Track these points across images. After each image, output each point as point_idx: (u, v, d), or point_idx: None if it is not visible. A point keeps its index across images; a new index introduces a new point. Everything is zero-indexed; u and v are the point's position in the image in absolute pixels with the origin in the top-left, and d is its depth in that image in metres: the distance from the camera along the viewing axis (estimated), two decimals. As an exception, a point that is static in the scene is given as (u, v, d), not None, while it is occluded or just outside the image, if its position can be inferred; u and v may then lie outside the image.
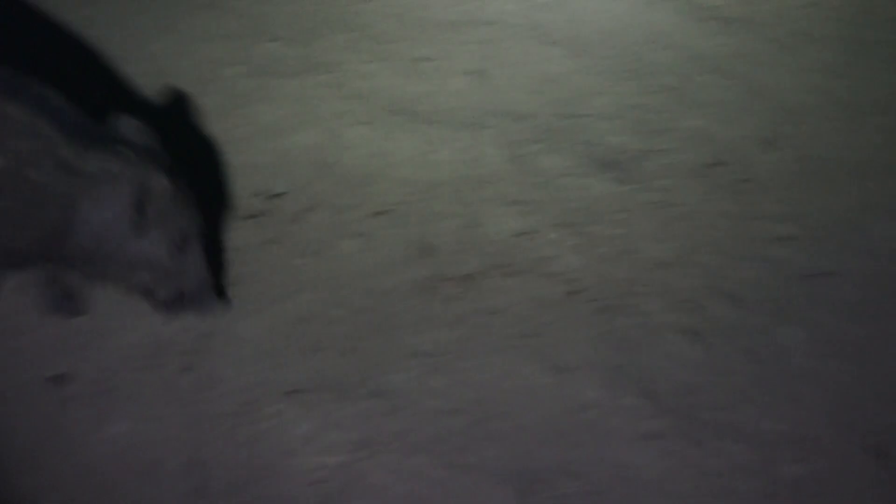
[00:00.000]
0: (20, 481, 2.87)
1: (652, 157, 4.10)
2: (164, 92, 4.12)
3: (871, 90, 4.45)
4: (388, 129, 4.11)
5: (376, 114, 4.17)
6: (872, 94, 4.43)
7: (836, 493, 2.93)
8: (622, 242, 3.73)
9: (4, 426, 3.02)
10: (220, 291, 3.37)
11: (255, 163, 3.93)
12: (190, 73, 4.23)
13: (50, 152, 2.83)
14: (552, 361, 3.28)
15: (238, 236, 3.66)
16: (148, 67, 4.27)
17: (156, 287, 3.08)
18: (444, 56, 4.47)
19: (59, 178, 2.85)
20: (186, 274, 3.09)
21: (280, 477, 2.90)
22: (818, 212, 3.88)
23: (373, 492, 2.88)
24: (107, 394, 3.11)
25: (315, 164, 3.96)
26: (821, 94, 4.44)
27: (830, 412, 3.16)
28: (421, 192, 3.89)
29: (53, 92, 2.95)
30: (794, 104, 4.39)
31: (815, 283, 3.60)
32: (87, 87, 3.67)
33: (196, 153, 3.90)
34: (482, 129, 4.15)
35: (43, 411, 3.05)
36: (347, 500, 2.85)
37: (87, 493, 2.86)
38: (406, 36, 4.56)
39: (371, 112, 4.17)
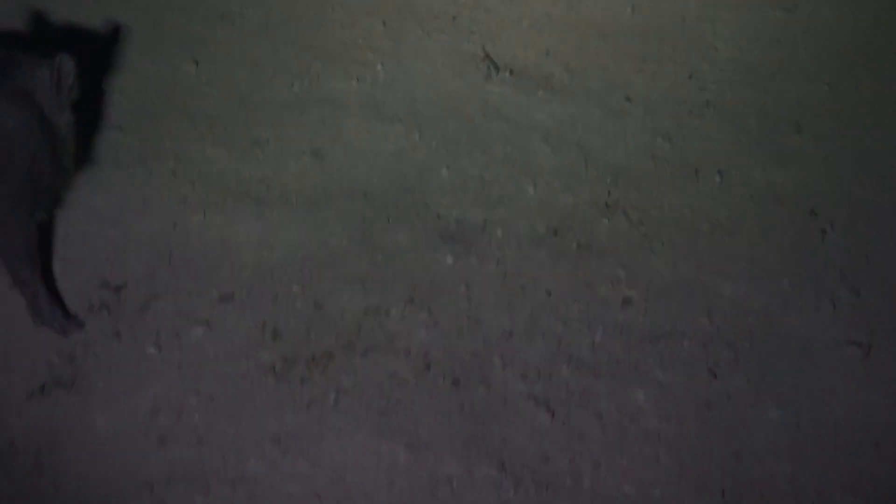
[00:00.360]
0: None
1: (494, 227, 4.16)
2: None
3: (702, 150, 4.59)
4: (229, 214, 4.09)
5: (217, 199, 4.14)
6: (704, 155, 4.56)
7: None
8: (469, 315, 3.78)
9: None
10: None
11: (97, 255, 3.87)
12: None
13: None
14: (408, 438, 3.30)
15: (85, 329, 3.60)
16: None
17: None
18: (282, 137, 4.46)
19: None
20: None
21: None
22: (658, 273, 3.99)
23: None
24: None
25: (157, 252, 3.92)
26: (653, 157, 4.56)
27: (685, 470, 3.24)
28: (266, 275, 3.88)
29: None
30: (629, 168, 4.49)
31: (659, 344, 3.69)
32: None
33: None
34: (324, 209, 4.16)
35: None
36: None
37: None
38: (243, 118, 4.54)
39: (211, 197, 4.14)
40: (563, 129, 4.72)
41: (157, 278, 3.83)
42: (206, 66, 4.76)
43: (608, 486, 3.18)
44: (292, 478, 3.15)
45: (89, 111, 4.19)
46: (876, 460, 3.35)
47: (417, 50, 5.07)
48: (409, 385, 3.49)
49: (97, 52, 4.75)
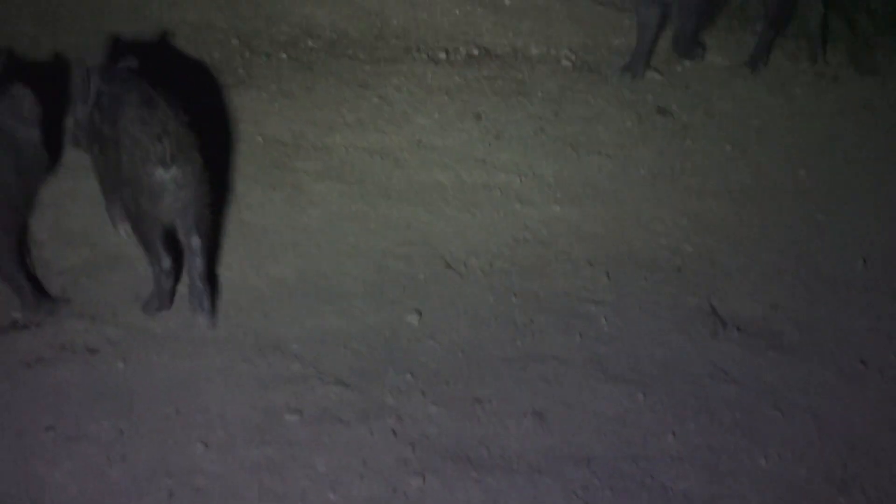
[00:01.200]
0: None
1: (723, 502, 3.98)
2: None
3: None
4: (446, 479, 4.01)
5: (437, 462, 4.08)
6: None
7: None
8: None
9: None
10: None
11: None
12: (247, 419, 4.14)
13: None
14: None
15: None
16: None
17: None
18: (504, 395, 4.39)
19: None
20: None
21: None
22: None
23: None
24: None
25: (376, 520, 3.86)
26: (894, 428, 4.33)
27: None
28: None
29: None
30: (867, 440, 4.26)
31: None
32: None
33: None
34: (546, 476, 4.05)
35: None
36: None
37: None
38: (466, 373, 4.49)
39: (431, 460, 4.07)
40: (795, 394, 4.53)
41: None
42: (429, 317, 4.74)
43: None
44: None
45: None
46: None
47: (641, 303, 4.97)
48: None
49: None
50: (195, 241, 4.47)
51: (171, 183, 4.34)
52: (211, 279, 4.64)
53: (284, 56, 6.30)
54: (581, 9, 6.96)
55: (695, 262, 5.25)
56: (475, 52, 6.57)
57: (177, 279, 4.60)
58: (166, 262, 4.49)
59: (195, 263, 4.51)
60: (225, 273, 4.89)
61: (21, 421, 4.06)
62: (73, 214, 5.02)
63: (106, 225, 4.79)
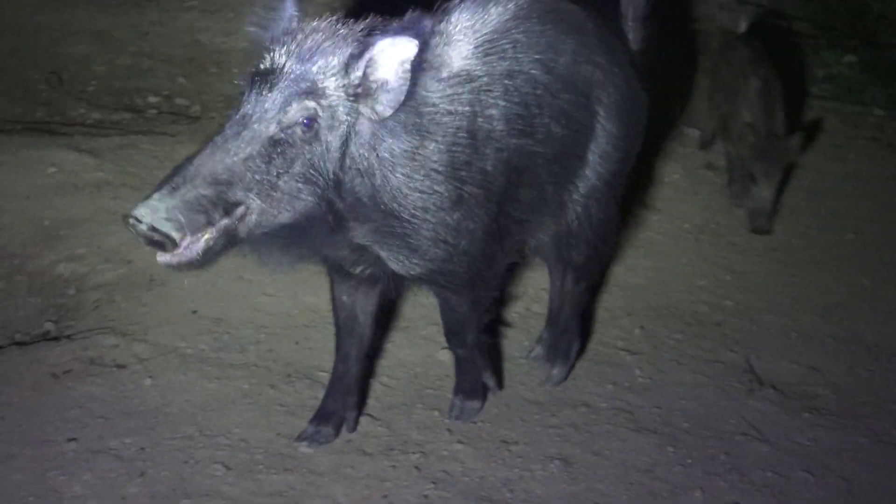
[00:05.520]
0: None
1: (748, 566, 3.93)
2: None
3: None
4: (468, 521, 3.97)
5: (456, 501, 4.02)
6: None
7: None
8: None
9: None
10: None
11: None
12: (270, 445, 4.12)
13: None
14: None
15: None
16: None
17: None
18: (532, 439, 4.35)
19: None
20: None
21: None
22: None
23: None
24: None
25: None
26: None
27: None
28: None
29: None
30: (902, 511, 4.20)
31: None
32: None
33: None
34: (568, 524, 4.00)
35: None
36: None
37: None
38: (493, 415, 4.46)
39: (451, 499, 4.03)
40: (828, 457, 4.46)
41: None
42: (461, 356, 4.70)
43: None
44: None
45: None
46: None
47: (677, 355, 4.94)
48: None
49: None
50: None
51: None
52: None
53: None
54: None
55: (734, 319, 5.21)
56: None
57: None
58: None
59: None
60: (260, 298, 4.90)
61: (45, 431, 4.07)
62: (112, 233, 5.04)
63: (141, 246, 4.81)
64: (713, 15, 8.02)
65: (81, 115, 5.86)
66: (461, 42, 3.74)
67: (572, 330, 4.68)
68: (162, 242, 3.13)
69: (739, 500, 4.18)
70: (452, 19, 3.78)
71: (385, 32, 3.43)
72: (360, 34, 3.47)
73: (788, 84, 6.34)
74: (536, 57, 3.92)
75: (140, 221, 3.07)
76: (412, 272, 3.79)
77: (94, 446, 4.00)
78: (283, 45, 3.42)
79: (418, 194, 3.60)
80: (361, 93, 3.39)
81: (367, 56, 3.35)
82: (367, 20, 3.57)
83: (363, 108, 3.42)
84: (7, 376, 4.27)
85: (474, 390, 4.42)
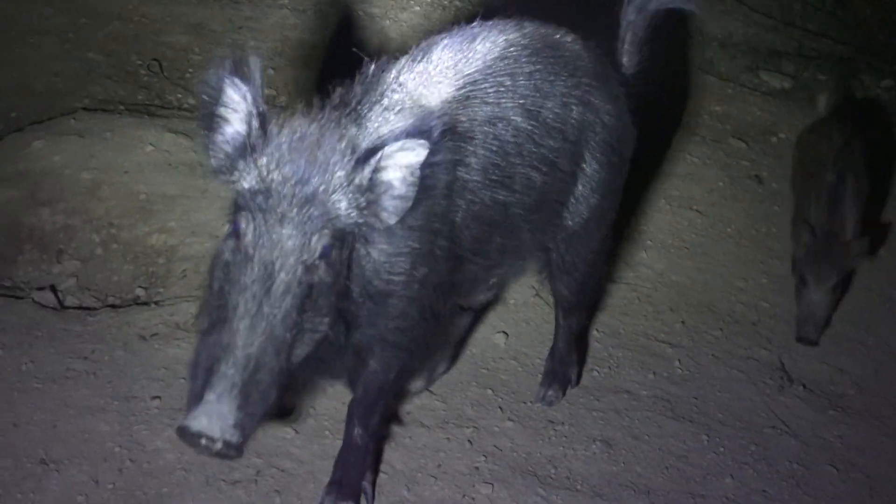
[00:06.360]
0: None
1: (773, 549, 3.89)
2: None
3: None
4: (514, 491, 3.95)
5: (506, 473, 4.02)
6: None
7: None
8: None
9: None
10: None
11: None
12: (337, 413, 4.11)
13: None
14: None
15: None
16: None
17: None
18: (576, 420, 4.32)
19: None
20: None
21: None
22: None
23: None
24: None
25: (446, 516, 3.83)
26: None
27: None
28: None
29: None
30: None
31: None
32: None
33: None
34: (605, 501, 3.98)
35: None
36: None
37: None
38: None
39: (501, 472, 4.02)
40: (851, 453, 4.43)
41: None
42: (515, 340, 4.70)
43: None
44: None
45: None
46: None
47: (715, 350, 4.89)
48: None
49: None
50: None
51: None
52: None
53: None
54: (689, 78, 6.91)
55: (770, 320, 5.15)
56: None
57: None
58: None
59: None
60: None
61: (132, 388, 4.08)
62: (201, 209, 5.05)
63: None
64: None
65: (178, 99, 5.87)
66: (441, 84, 3.26)
67: (567, 361, 4.43)
68: (228, 454, 2.69)
69: (766, 489, 4.16)
70: (433, 57, 3.32)
71: (393, 136, 2.90)
72: (355, 131, 2.97)
73: (876, 178, 5.79)
74: (521, 102, 3.39)
75: (213, 439, 2.63)
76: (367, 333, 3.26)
77: (176, 405, 4.00)
78: (266, 154, 2.85)
79: (395, 258, 3.11)
80: (366, 202, 2.90)
81: (372, 163, 2.86)
82: (352, 93, 3.11)
83: (369, 218, 2.93)
84: (101, 336, 4.29)
85: (351, 491, 3.63)
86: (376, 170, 2.86)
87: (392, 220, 2.93)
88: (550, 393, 4.37)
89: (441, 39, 3.38)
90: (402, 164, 2.85)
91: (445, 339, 4.19)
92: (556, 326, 4.40)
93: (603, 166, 3.75)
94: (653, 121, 6.17)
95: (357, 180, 2.85)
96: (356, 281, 3.04)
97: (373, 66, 3.22)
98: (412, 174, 2.87)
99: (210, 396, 2.64)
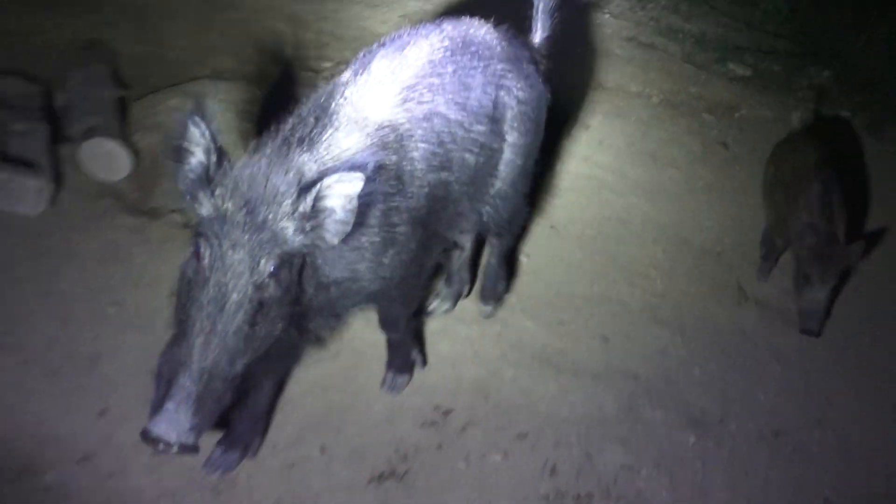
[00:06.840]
0: None
1: (729, 421, 3.93)
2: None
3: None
4: (532, 372, 4.01)
5: (526, 360, 4.07)
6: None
7: None
8: (702, 487, 3.54)
9: None
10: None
11: (436, 386, 3.85)
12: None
13: None
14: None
15: (416, 438, 3.55)
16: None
17: None
18: (581, 321, 4.35)
19: None
20: None
21: None
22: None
23: None
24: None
25: (479, 391, 3.87)
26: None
27: None
28: (553, 425, 3.76)
29: None
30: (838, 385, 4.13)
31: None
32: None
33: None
34: (603, 382, 4.02)
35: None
36: None
37: None
38: (555, 304, 4.45)
39: (522, 358, 4.06)
40: (791, 353, 4.43)
41: (476, 410, 3.76)
42: (535, 261, 4.70)
43: None
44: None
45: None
46: None
47: (688, 273, 4.87)
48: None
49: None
50: None
51: None
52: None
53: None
54: (671, 63, 6.84)
55: (731, 251, 5.12)
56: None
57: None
58: None
59: None
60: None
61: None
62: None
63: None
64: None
65: (275, 71, 5.88)
66: (382, 93, 3.02)
67: (499, 276, 4.24)
68: (184, 453, 2.50)
69: (724, 377, 4.20)
70: (373, 68, 3.08)
71: (334, 168, 2.66)
72: (306, 157, 2.74)
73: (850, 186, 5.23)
74: (449, 97, 3.18)
75: (170, 444, 2.44)
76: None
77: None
78: (222, 185, 2.63)
79: (355, 253, 2.90)
80: (310, 227, 2.65)
81: (314, 192, 2.61)
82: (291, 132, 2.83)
83: (315, 240, 2.69)
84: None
85: (404, 367, 3.76)
86: (317, 198, 2.61)
87: (335, 241, 2.70)
88: (488, 308, 4.21)
89: (377, 50, 3.18)
90: (341, 193, 2.61)
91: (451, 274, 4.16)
92: (490, 253, 4.19)
93: (522, 134, 3.54)
94: (645, 97, 6.18)
95: (301, 208, 2.62)
96: (322, 278, 2.85)
97: (323, 88, 3.04)
98: (350, 202, 2.63)
99: (169, 405, 2.46)
